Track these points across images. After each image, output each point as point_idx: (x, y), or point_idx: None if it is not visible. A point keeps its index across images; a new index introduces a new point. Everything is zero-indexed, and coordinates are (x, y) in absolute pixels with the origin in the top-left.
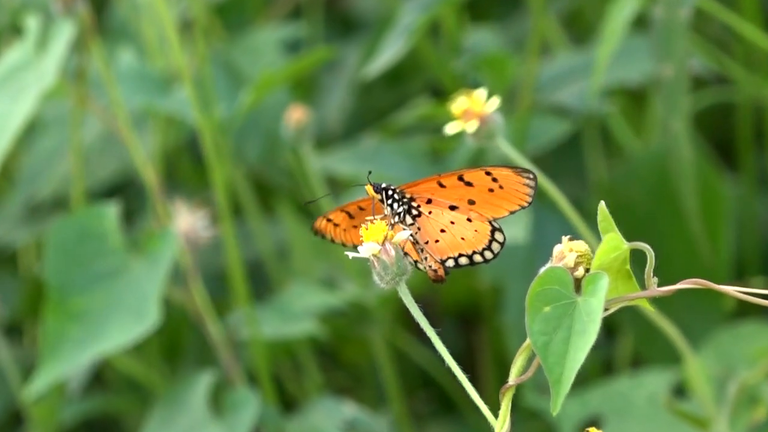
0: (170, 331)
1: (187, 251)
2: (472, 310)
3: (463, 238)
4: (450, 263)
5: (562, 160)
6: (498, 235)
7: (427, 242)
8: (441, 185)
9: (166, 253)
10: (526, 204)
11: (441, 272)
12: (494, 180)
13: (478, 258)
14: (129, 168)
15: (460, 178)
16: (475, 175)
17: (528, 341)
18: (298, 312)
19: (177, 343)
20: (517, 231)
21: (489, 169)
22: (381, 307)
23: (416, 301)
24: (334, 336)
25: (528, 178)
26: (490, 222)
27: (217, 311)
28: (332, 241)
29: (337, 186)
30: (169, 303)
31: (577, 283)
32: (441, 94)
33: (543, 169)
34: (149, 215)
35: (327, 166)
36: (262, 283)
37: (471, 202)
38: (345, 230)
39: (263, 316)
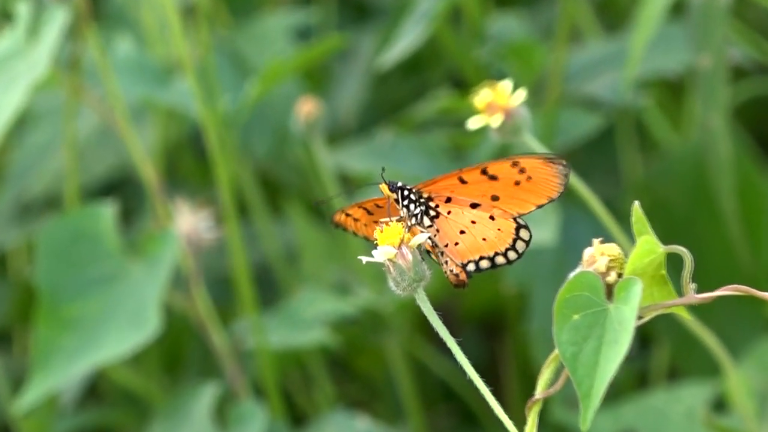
0: (171, 339)
1: (189, 254)
2: (495, 317)
3: (484, 239)
4: (471, 267)
5: (594, 157)
6: (523, 233)
7: (446, 245)
8: (462, 181)
9: (166, 256)
10: (555, 196)
11: (463, 276)
12: (521, 171)
13: (500, 260)
14: (126, 164)
15: (484, 172)
16: (500, 168)
17: (556, 352)
18: (309, 319)
19: (178, 353)
20: (545, 232)
21: (517, 159)
22: (398, 315)
23: (435, 308)
24: (347, 345)
25: (560, 166)
26: (514, 219)
27: (221, 319)
28: (354, 234)
29: (350, 183)
30: (169, 310)
31: (609, 290)
32: (462, 85)
33: (573, 167)
34: (148, 215)
35: (339, 162)
36: (269, 289)
37: (494, 198)
38: (366, 225)
39: (271, 323)
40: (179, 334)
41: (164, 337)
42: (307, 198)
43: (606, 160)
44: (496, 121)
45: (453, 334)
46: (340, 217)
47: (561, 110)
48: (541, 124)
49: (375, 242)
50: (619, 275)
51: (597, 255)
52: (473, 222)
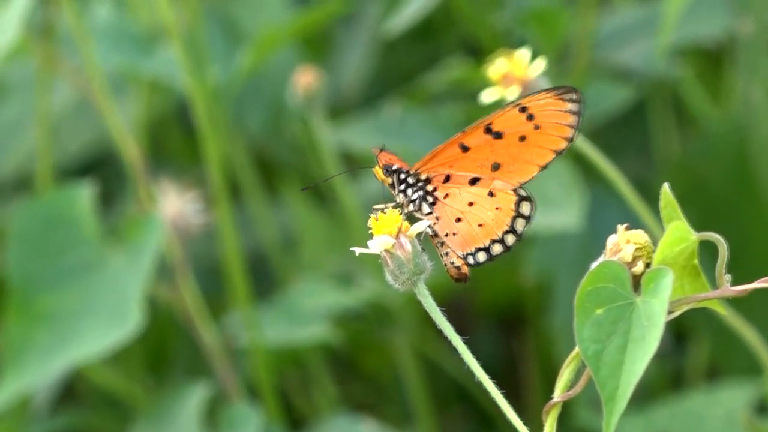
0: (155, 335)
1: (175, 241)
2: (514, 311)
3: (481, 225)
4: (469, 261)
5: (624, 134)
6: (524, 207)
7: (446, 234)
8: (464, 148)
9: (150, 244)
10: (565, 145)
11: (465, 269)
12: (530, 117)
13: (497, 249)
14: (106, 141)
15: (488, 130)
16: (505, 120)
17: (577, 350)
18: (308, 313)
19: (163, 351)
20: (568, 216)
21: (522, 102)
22: (406, 308)
23: (446, 302)
24: (350, 342)
25: (571, 101)
26: (515, 191)
27: (210, 312)
28: None
29: (354, 163)
30: (153, 303)
31: (636, 281)
32: (479, 54)
33: (601, 145)
34: (130, 198)
35: (342, 139)
36: (264, 279)
37: (495, 168)
38: None
39: (266, 318)
40: (164, 329)
41: (148, 333)
42: (306, 179)
43: (637, 138)
44: (512, 93)
45: (466, 330)
46: None
47: (588, 82)
48: None
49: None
50: (647, 265)
51: (622, 243)
52: (471, 204)
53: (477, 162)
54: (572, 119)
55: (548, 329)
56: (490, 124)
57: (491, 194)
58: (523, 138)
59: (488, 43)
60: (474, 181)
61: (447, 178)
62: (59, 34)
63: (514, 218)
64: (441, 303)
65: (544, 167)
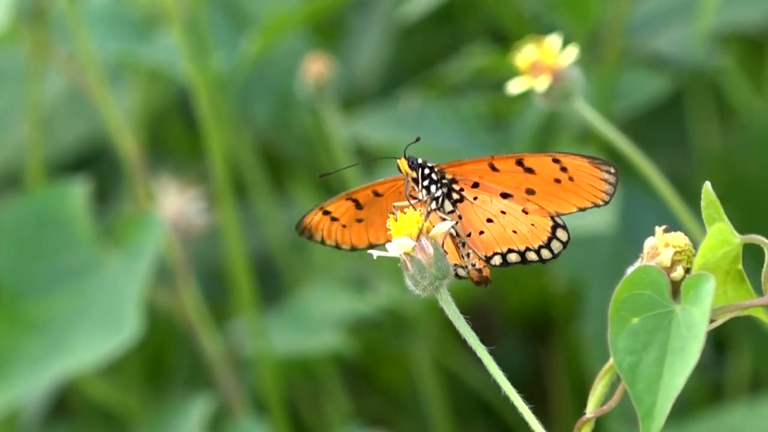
0: (154, 344)
1: (175, 242)
2: (542, 319)
3: (514, 231)
4: (496, 260)
5: (660, 127)
6: (560, 233)
7: (469, 234)
8: (494, 168)
9: (148, 245)
10: (600, 203)
11: (486, 272)
12: (563, 170)
13: (531, 256)
14: (101, 134)
15: (519, 163)
16: (538, 162)
17: (611, 361)
18: (319, 321)
19: (162, 361)
20: (600, 217)
21: (557, 156)
22: (424, 315)
23: (472, 308)
24: (365, 352)
25: (607, 172)
26: (552, 217)
27: (214, 319)
28: (322, 242)
29: (368, 158)
30: (152, 309)
31: (675, 288)
32: (503, 40)
33: (636, 138)
34: (127, 195)
35: (356, 132)
36: (271, 284)
37: (530, 192)
38: (345, 226)
39: (274, 325)
40: (164, 337)
41: (146, 342)
42: (316, 175)
43: (674, 131)
44: (541, 84)
45: (492, 339)
46: (312, 219)
47: (621, 71)
48: (597, 88)
49: (352, 249)
50: (687, 270)
51: (661, 246)
52: (503, 212)
53: (510, 182)
54: (606, 187)
55: (578, 338)
56: (521, 159)
57: (525, 212)
58: (557, 180)
59: (514, 29)
60: (505, 196)
61: (475, 185)
62: (51, 19)
63: (550, 239)
64: (464, 310)
65: (582, 209)
